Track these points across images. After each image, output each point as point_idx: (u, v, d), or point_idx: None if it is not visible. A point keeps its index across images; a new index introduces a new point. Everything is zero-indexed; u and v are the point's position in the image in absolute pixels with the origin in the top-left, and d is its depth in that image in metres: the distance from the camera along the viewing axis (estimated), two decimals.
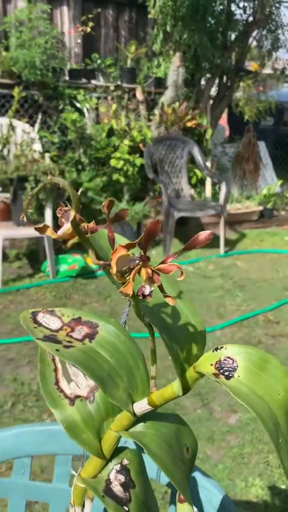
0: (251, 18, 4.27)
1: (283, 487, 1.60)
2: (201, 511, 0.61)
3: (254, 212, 4.35)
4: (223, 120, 5.24)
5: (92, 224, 0.32)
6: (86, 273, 3.07)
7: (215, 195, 4.11)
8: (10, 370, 2.07)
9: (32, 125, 3.50)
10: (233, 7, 4.23)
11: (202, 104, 4.19)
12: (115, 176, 3.67)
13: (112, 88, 3.90)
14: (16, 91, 3.27)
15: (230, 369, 0.35)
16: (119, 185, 3.75)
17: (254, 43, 4.50)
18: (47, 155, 3.26)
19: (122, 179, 3.68)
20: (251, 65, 5.10)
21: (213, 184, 4.15)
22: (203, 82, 4.37)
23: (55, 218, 3.08)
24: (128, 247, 0.29)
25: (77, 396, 0.46)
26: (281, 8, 4.30)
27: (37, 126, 3.49)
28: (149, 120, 3.94)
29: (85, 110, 3.78)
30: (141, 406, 0.41)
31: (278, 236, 4.09)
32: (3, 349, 2.23)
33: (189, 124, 3.94)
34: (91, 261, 0.32)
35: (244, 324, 2.58)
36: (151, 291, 0.30)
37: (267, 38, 4.41)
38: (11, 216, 2.96)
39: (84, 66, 4.05)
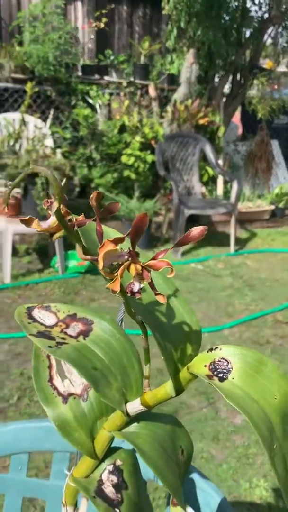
0: (266, 15, 4.22)
1: None
2: None
3: (266, 211, 4.31)
4: (236, 118, 5.20)
5: (81, 217, 0.31)
6: (95, 269, 3.06)
7: (226, 193, 4.08)
8: (17, 364, 2.08)
9: (44, 120, 3.50)
10: (249, 3, 4.19)
11: (215, 102, 4.15)
12: (126, 173, 3.66)
13: (124, 84, 3.88)
14: (28, 86, 3.27)
15: (224, 370, 0.34)
16: (130, 181, 3.74)
17: (269, 41, 4.45)
18: (58, 150, 3.26)
19: (133, 176, 3.67)
20: (266, 63, 5.05)
21: (225, 182, 4.12)
22: (216, 79, 4.33)
23: None
24: (116, 241, 0.27)
25: (71, 394, 0.45)
26: None
27: (49, 121, 3.49)
28: (161, 117, 3.93)
29: (97, 106, 3.77)
30: (134, 406, 0.40)
31: None
32: (11, 343, 2.24)
33: (201, 122, 3.92)
34: (79, 256, 0.31)
35: (253, 324, 2.56)
36: (140, 288, 0.29)
37: (282, 36, 4.35)
38: (21, 211, 2.97)
39: (97, 62, 4.04)
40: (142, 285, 0.29)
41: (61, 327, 0.45)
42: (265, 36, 4.29)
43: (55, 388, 0.45)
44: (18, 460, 0.67)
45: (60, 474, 0.67)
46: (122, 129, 3.77)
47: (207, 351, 0.36)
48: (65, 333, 0.44)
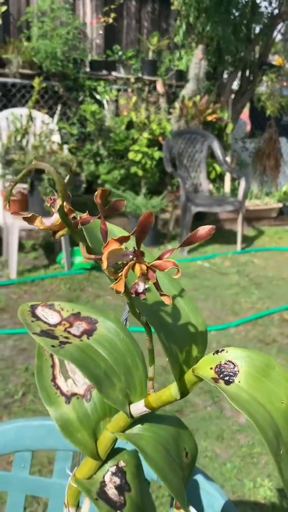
0: (276, 11, 4.18)
1: None
2: None
3: (273, 209, 4.28)
4: (245, 114, 5.16)
5: (85, 215, 0.30)
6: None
7: (234, 190, 4.06)
8: (22, 360, 2.08)
9: (52, 116, 3.49)
10: None
11: (223, 98, 4.13)
12: (133, 169, 3.65)
13: (132, 80, 3.87)
14: (36, 82, 3.26)
15: (231, 374, 0.33)
16: (137, 178, 3.72)
17: (279, 37, 4.41)
18: (65, 146, 3.25)
19: (140, 172, 3.65)
20: (276, 60, 5.01)
21: (232, 180, 4.09)
22: (225, 75, 4.30)
23: None
24: (121, 240, 0.27)
25: (74, 394, 0.44)
26: None
27: (56, 117, 3.49)
28: (169, 113, 3.91)
29: (104, 102, 3.76)
30: (138, 408, 0.39)
31: None
32: (16, 339, 2.24)
33: (209, 118, 3.89)
34: (82, 255, 0.30)
35: (259, 323, 2.54)
36: (145, 289, 0.28)
37: None
38: (28, 206, 2.97)
39: (105, 58, 4.03)
40: (147, 286, 0.28)
41: (64, 326, 0.44)
42: (275, 32, 4.25)
43: (58, 388, 0.45)
44: (21, 458, 0.67)
45: (63, 472, 0.67)
46: (130, 125, 3.75)
47: (213, 353, 0.35)
48: (69, 332, 0.43)
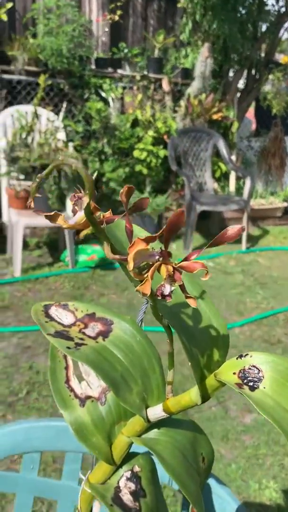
0: (283, 9, 4.15)
1: None
2: None
3: (278, 208, 4.26)
4: (250, 113, 5.14)
5: (108, 214, 0.29)
6: (105, 264, 3.05)
7: (239, 189, 4.04)
8: (26, 358, 2.07)
9: (57, 113, 3.48)
10: None
11: (229, 97, 4.10)
12: (138, 167, 3.64)
13: (138, 78, 3.85)
14: (42, 79, 3.25)
15: (255, 379, 0.32)
16: (141, 176, 3.71)
17: (286, 35, 4.38)
18: (70, 144, 3.24)
19: (145, 171, 3.64)
20: (282, 58, 4.98)
21: (238, 179, 4.08)
22: (231, 74, 4.28)
23: None
24: (147, 240, 0.26)
25: (88, 397, 0.43)
26: None
27: (61, 114, 3.47)
28: (175, 111, 3.89)
29: (110, 100, 3.74)
30: (156, 412, 0.38)
31: None
32: (20, 336, 2.23)
33: (215, 117, 3.87)
34: (107, 255, 0.29)
35: (264, 323, 2.53)
36: (172, 291, 0.27)
37: None
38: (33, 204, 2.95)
39: (110, 55, 4.01)
40: (173, 288, 0.27)
41: (79, 326, 0.43)
42: (282, 31, 4.23)
43: (72, 390, 0.44)
44: (30, 459, 0.66)
45: (72, 474, 0.66)
46: (135, 123, 3.74)
47: (236, 358, 0.34)
48: (84, 333, 0.42)
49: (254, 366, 0.33)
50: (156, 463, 0.45)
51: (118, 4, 3.92)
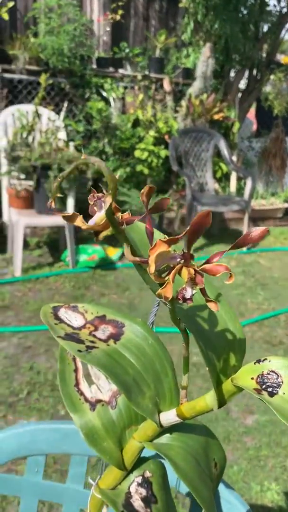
0: (285, 10, 4.14)
1: None
2: None
3: (279, 209, 4.26)
4: (251, 114, 5.13)
5: (127, 215, 0.28)
6: (105, 264, 3.04)
7: (239, 190, 4.04)
8: (27, 359, 2.06)
9: (58, 113, 3.47)
10: None
11: (230, 97, 4.10)
12: (139, 167, 3.63)
13: (139, 77, 3.84)
14: (43, 78, 3.24)
15: (274, 384, 0.31)
16: (142, 176, 3.70)
17: (287, 36, 4.38)
18: (71, 143, 3.23)
19: (146, 171, 3.63)
20: (282, 58, 4.98)
21: (238, 179, 4.07)
22: (232, 74, 4.27)
23: (77, 208, 3.06)
24: (169, 242, 0.25)
25: (99, 401, 0.42)
26: None
27: (62, 114, 3.46)
28: (176, 111, 3.88)
29: (111, 100, 3.73)
30: (169, 417, 0.37)
31: None
32: (21, 336, 2.22)
33: (216, 117, 3.87)
34: (127, 257, 0.28)
35: (265, 324, 2.52)
36: (193, 295, 0.26)
37: None
38: (33, 204, 2.95)
39: (112, 55, 4.00)
40: (195, 291, 0.26)
41: (89, 329, 0.42)
42: (283, 31, 4.22)
43: (82, 394, 0.43)
44: (34, 462, 0.65)
45: (78, 478, 0.65)
46: (136, 123, 3.73)
47: (254, 363, 0.33)
48: (94, 336, 0.41)
49: (273, 371, 0.32)
50: (168, 469, 0.44)
51: (120, 3, 3.91)
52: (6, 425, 1.68)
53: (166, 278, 0.26)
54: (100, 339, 0.41)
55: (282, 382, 0.31)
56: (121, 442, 0.42)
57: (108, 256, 3.08)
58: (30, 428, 0.65)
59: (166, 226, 3.72)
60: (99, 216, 0.27)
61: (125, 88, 3.83)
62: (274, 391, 0.31)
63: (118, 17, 3.89)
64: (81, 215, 0.28)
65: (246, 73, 4.29)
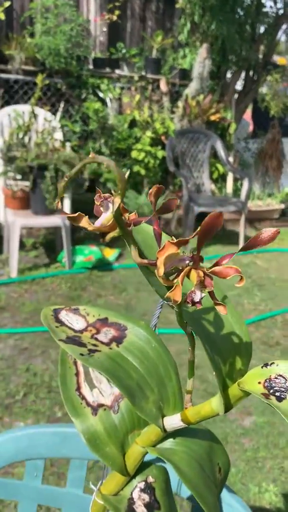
0: (281, 11, 4.15)
1: None
2: None
3: (276, 210, 4.26)
4: (247, 115, 5.14)
5: (134, 215, 0.28)
6: (102, 265, 3.03)
7: (236, 191, 4.04)
8: (23, 360, 2.05)
9: (54, 113, 3.46)
10: None
11: (227, 98, 4.10)
12: (135, 168, 3.63)
13: (136, 78, 3.84)
14: (39, 79, 3.23)
15: (282, 389, 0.31)
16: (139, 177, 3.70)
17: (283, 37, 4.39)
18: (68, 144, 3.22)
19: (143, 171, 3.63)
20: (278, 60, 4.99)
21: (235, 180, 4.07)
22: (229, 75, 4.28)
23: (73, 209, 3.05)
24: (178, 244, 0.24)
25: (101, 405, 0.42)
26: None
27: (59, 114, 3.45)
28: (173, 112, 3.88)
29: (107, 100, 3.73)
30: (173, 422, 0.37)
31: None
32: (17, 338, 2.21)
33: (213, 118, 3.87)
34: (134, 259, 0.27)
35: (262, 325, 2.52)
36: (202, 298, 0.25)
37: None
38: (29, 204, 2.93)
39: (108, 55, 3.99)
40: (204, 294, 0.25)
41: (91, 332, 0.41)
42: (279, 33, 4.23)
43: (84, 398, 0.42)
44: (33, 466, 0.64)
45: (77, 482, 0.64)
46: (133, 124, 3.72)
47: (261, 367, 0.33)
48: (96, 339, 0.40)
49: (280, 376, 0.31)
50: (171, 474, 0.43)
51: (116, 4, 3.90)
52: (2, 427, 1.67)
53: (175, 281, 0.25)
54: (102, 342, 0.40)
55: None
56: (124, 447, 0.41)
57: (104, 257, 3.07)
58: (28, 432, 0.64)
59: (162, 227, 3.71)
60: (105, 217, 0.26)
61: (122, 88, 3.83)
62: (282, 396, 0.30)
63: (114, 18, 3.89)
64: (87, 216, 0.27)
65: (243, 74, 4.30)
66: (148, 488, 0.41)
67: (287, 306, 2.73)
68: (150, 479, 0.42)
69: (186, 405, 0.36)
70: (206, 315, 0.35)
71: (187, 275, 0.26)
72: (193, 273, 0.25)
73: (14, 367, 2.00)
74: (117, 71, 3.88)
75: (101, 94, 3.73)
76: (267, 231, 0.25)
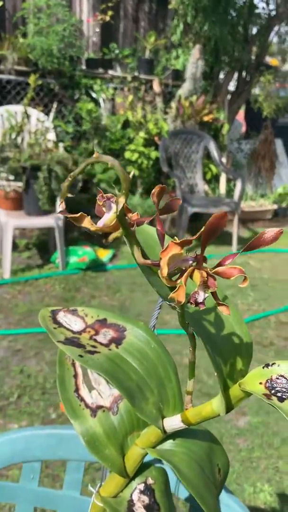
0: (274, 12, 4.17)
1: None
2: None
3: (268, 210, 4.28)
4: (240, 116, 5.16)
5: (136, 215, 0.28)
6: (96, 266, 3.03)
7: (229, 191, 4.05)
8: (17, 362, 2.04)
9: (47, 114, 3.45)
10: (256, 0, 4.14)
11: (220, 99, 4.11)
12: (129, 169, 3.62)
13: (129, 79, 3.83)
14: (32, 79, 3.21)
15: (284, 389, 0.31)
16: (132, 178, 3.69)
17: (275, 39, 4.41)
18: (61, 144, 3.21)
19: (136, 172, 3.63)
20: (271, 61, 5.01)
21: (228, 181, 4.08)
22: (221, 76, 4.29)
23: (67, 209, 3.04)
24: (182, 244, 0.24)
25: (100, 407, 0.41)
26: None
27: (51, 115, 3.44)
28: (166, 113, 3.88)
29: (101, 101, 3.72)
30: (173, 423, 0.36)
31: None
32: (11, 340, 2.20)
33: (206, 119, 3.88)
34: (137, 259, 0.27)
35: (256, 325, 2.53)
36: (205, 298, 0.25)
37: None
38: (22, 205, 2.92)
39: (101, 56, 3.99)
40: (207, 295, 0.25)
41: (90, 333, 0.41)
42: (272, 34, 4.25)
43: (82, 400, 0.42)
44: (30, 469, 0.64)
45: (74, 484, 0.64)
46: (126, 124, 3.72)
47: (262, 367, 0.33)
48: (95, 340, 0.40)
49: (282, 376, 0.31)
50: (170, 475, 0.43)
51: (109, 4, 3.90)
52: None
53: (178, 282, 0.25)
54: (101, 344, 0.40)
55: None
56: (123, 449, 0.41)
57: (98, 257, 3.06)
58: (24, 434, 0.64)
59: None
60: (108, 217, 0.26)
61: (115, 89, 3.82)
62: (284, 396, 0.30)
63: (107, 18, 3.88)
64: (89, 216, 0.27)
65: (236, 75, 4.31)
66: (148, 490, 0.41)
67: (280, 306, 2.74)
68: (150, 481, 0.41)
69: (187, 406, 0.36)
70: (207, 315, 0.35)
71: (190, 276, 0.26)
72: (197, 274, 0.25)
73: (8, 368, 1.99)
74: (110, 72, 3.88)
75: (94, 95, 3.72)
76: (270, 231, 0.25)
